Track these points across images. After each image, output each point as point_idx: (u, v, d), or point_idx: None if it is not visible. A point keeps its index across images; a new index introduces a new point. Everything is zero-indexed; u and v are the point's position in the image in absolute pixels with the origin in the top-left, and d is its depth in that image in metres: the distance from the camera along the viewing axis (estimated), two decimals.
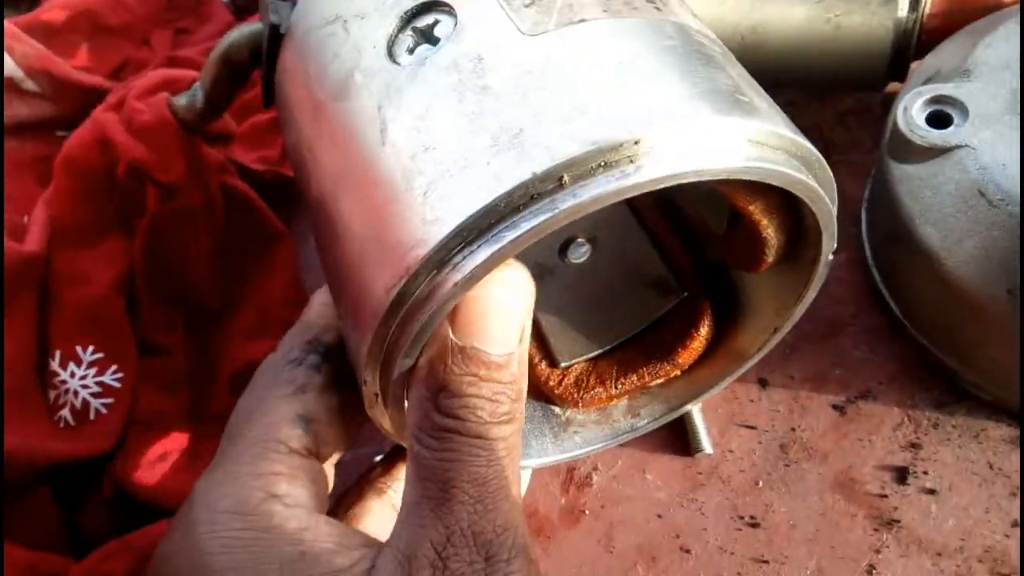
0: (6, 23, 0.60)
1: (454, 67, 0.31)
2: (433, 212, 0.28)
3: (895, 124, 0.45)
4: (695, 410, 0.48)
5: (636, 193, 0.28)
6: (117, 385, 0.47)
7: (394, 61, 0.33)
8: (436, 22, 0.34)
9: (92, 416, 0.46)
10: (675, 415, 0.47)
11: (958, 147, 0.44)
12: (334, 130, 0.34)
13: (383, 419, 0.34)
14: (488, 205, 0.27)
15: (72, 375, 0.47)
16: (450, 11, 0.34)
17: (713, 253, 0.46)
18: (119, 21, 0.69)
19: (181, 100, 0.50)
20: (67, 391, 0.46)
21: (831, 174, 0.35)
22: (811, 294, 0.40)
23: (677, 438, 0.49)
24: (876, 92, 0.61)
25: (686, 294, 0.46)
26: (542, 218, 0.27)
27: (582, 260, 0.50)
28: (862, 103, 0.61)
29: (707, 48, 0.33)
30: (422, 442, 0.26)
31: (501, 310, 0.28)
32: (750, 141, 0.30)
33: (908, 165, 0.46)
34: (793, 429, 0.48)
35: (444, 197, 0.28)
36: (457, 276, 0.28)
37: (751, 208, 0.36)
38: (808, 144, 0.32)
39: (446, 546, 0.25)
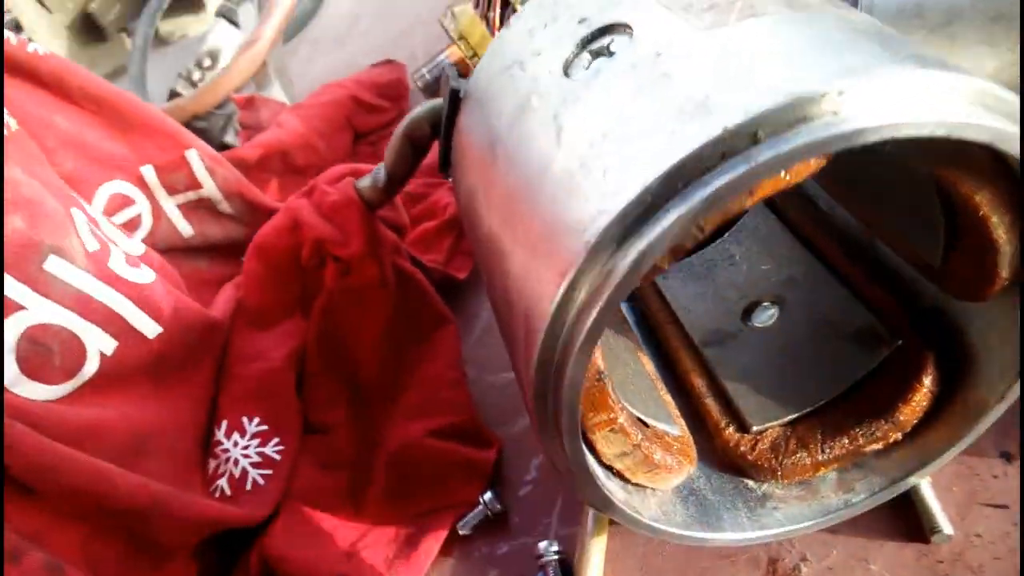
0: (210, 149, 0.67)
1: (631, 68, 0.30)
2: (613, 185, 0.26)
3: None
4: (925, 485, 0.40)
5: (842, 147, 0.24)
6: (277, 457, 0.47)
7: (570, 79, 0.33)
8: (612, 41, 0.33)
9: (249, 486, 0.45)
10: (899, 490, 0.39)
11: None
12: (509, 153, 0.33)
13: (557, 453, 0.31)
14: (673, 167, 0.25)
15: (235, 444, 0.47)
16: (626, 29, 0.33)
17: (932, 286, 0.39)
18: (307, 162, 0.76)
19: (365, 181, 0.53)
20: (228, 460, 0.46)
21: None
22: None
23: (904, 520, 0.40)
24: None
25: (900, 342, 0.39)
26: (736, 172, 0.24)
27: (769, 323, 0.46)
28: None
29: (898, 35, 0.30)
30: None
31: None
32: (969, 99, 0.26)
33: None
34: None
35: (625, 169, 0.26)
36: (642, 244, 0.25)
37: (977, 199, 0.30)
38: None
39: None
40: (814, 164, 0.27)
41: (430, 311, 0.55)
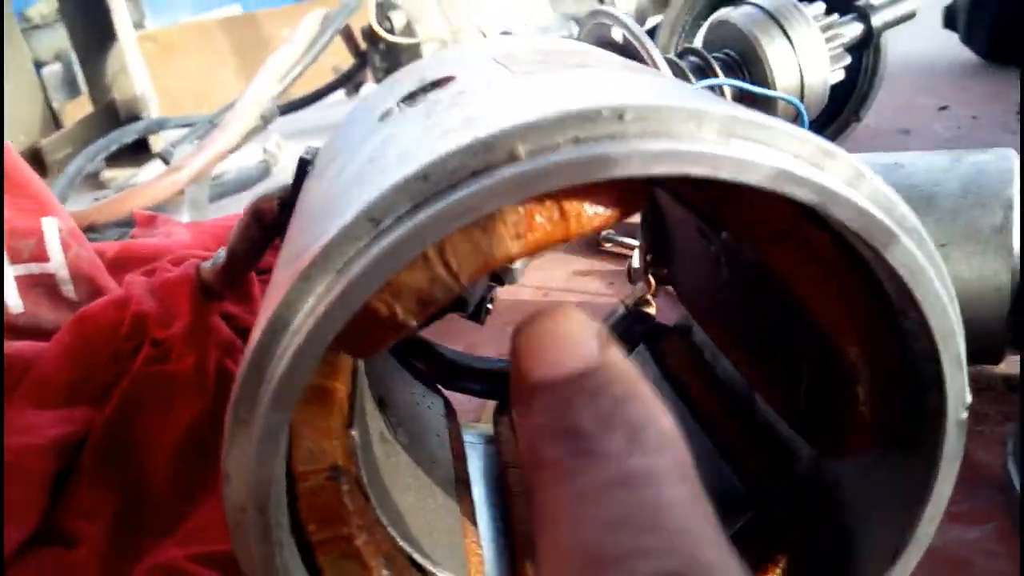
0: (73, 224, 0.61)
1: (432, 105, 0.28)
2: (348, 205, 0.21)
3: None
4: None
5: (611, 175, 0.19)
6: None
7: (380, 123, 0.30)
8: (432, 91, 0.31)
9: None
10: None
11: None
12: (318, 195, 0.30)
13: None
14: (406, 179, 0.20)
15: None
16: (451, 80, 0.30)
17: (808, 448, 0.33)
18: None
19: (207, 263, 0.47)
20: None
21: (938, 259, 0.24)
22: (942, 487, 0.26)
23: None
24: (995, 363, 0.48)
25: (752, 514, 0.32)
26: (473, 189, 0.19)
27: None
28: (981, 379, 0.50)
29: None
30: None
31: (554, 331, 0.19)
32: (791, 150, 0.21)
33: None
34: None
35: (368, 185, 0.21)
36: (354, 270, 0.20)
37: (819, 298, 0.25)
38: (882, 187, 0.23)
39: None
40: (606, 212, 0.22)
41: None
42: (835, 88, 0.78)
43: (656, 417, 0.17)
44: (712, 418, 0.38)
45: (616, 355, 0.18)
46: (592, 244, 0.79)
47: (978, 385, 0.49)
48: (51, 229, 0.59)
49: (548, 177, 0.20)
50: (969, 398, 0.26)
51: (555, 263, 0.78)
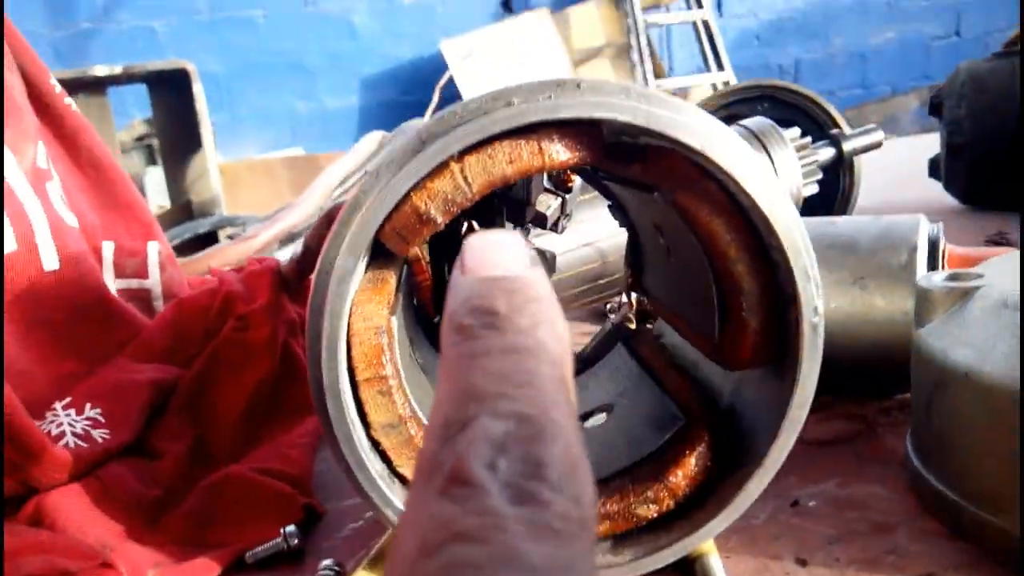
0: (169, 249, 0.75)
1: None
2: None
3: (920, 288, 0.46)
4: (715, 562, 0.40)
5: (561, 116, 0.33)
6: (99, 440, 0.47)
7: None
8: None
9: (61, 444, 0.46)
10: (671, 557, 0.39)
11: (978, 285, 0.43)
12: None
13: None
14: (443, 113, 0.34)
15: (67, 416, 0.47)
16: None
17: (723, 379, 0.44)
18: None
19: (286, 257, 0.61)
20: (52, 422, 0.46)
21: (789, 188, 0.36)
22: (806, 381, 0.37)
23: None
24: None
25: (683, 422, 0.43)
26: (480, 122, 0.33)
27: (596, 425, 0.49)
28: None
29: None
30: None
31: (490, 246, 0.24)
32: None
33: (934, 324, 0.45)
34: None
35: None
36: (393, 172, 0.33)
37: (713, 228, 0.37)
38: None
39: None
40: (568, 153, 0.35)
41: (300, 398, 0.58)
42: (816, 205, 0.92)
43: (553, 319, 0.21)
44: (663, 375, 0.49)
45: (538, 273, 0.23)
46: (600, 312, 0.91)
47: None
48: (153, 252, 0.73)
49: (527, 114, 0.33)
50: (820, 306, 0.37)
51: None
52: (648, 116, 0.34)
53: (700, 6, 3.70)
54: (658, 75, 3.71)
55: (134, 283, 0.73)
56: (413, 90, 3.84)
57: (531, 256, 0.23)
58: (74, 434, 0.47)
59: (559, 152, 0.35)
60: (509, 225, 0.65)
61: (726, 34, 3.96)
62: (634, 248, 0.58)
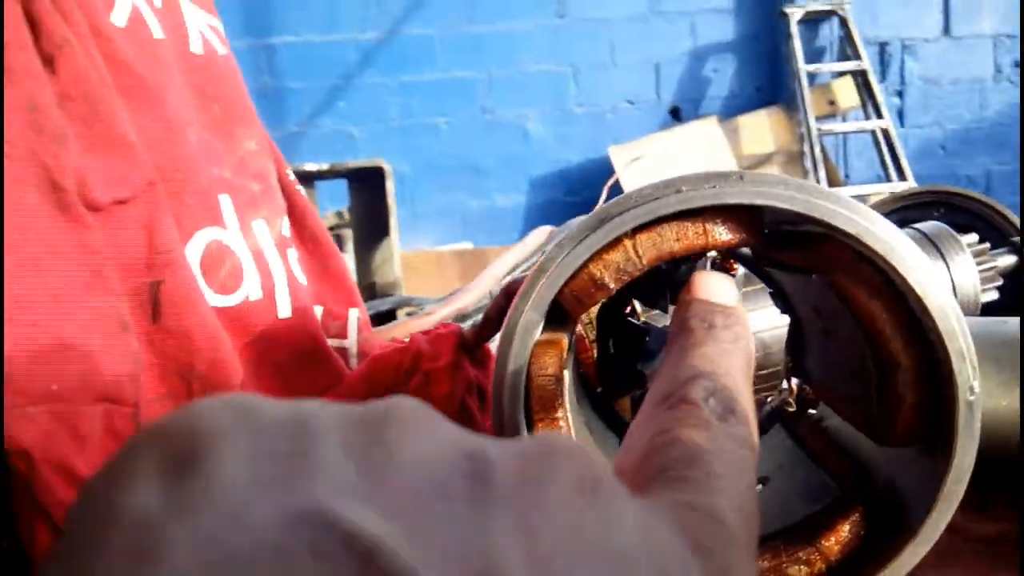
0: (367, 316, 0.85)
1: None
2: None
3: None
4: None
5: (725, 202, 0.38)
6: None
7: None
8: None
9: None
10: None
11: None
12: None
13: None
14: (620, 197, 0.40)
15: None
16: None
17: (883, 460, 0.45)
18: None
19: (468, 323, 0.68)
20: None
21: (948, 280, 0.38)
22: (962, 457, 0.38)
23: None
24: None
25: (837, 493, 0.45)
26: (649, 206, 0.39)
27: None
28: None
29: None
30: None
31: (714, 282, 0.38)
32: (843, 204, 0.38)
33: None
34: None
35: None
36: (572, 246, 0.40)
37: (871, 308, 0.40)
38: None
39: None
40: (730, 235, 0.40)
41: None
42: (1000, 312, 0.89)
43: (748, 336, 0.35)
44: (820, 452, 0.51)
45: (740, 307, 0.37)
46: (760, 403, 0.92)
47: None
48: (353, 317, 0.84)
49: (693, 200, 0.38)
50: (976, 386, 0.38)
51: None
52: (806, 204, 0.38)
53: (880, 116, 3.64)
54: (833, 183, 3.65)
55: (335, 342, 0.83)
56: (579, 191, 4.00)
57: (738, 295, 0.37)
58: None
59: (722, 233, 0.40)
60: (672, 308, 0.70)
61: (907, 143, 3.85)
62: (794, 334, 0.60)
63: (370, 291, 1.85)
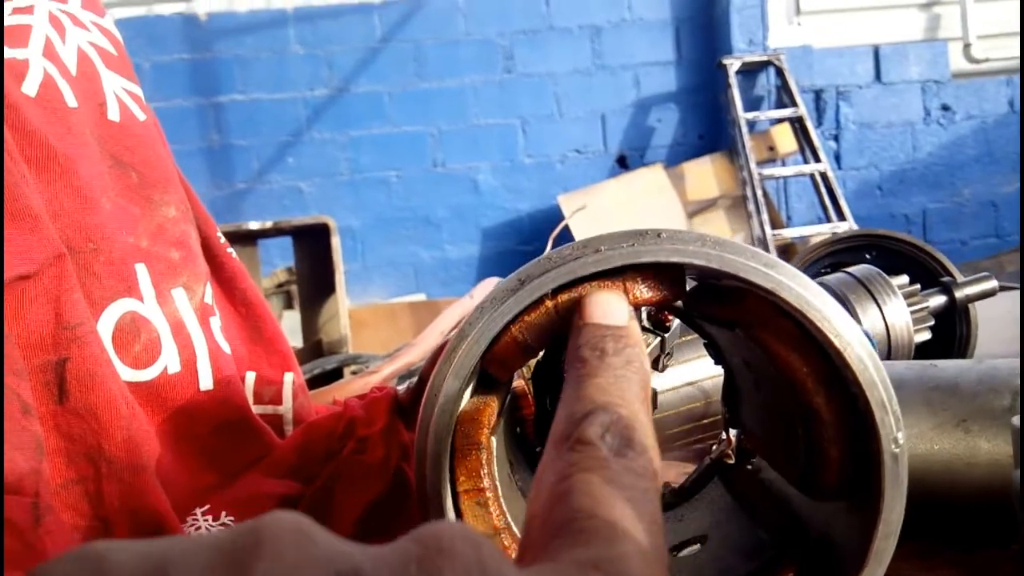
0: (302, 379, 0.83)
1: None
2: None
3: (1015, 428, 0.46)
4: None
5: (643, 260, 0.37)
6: None
7: None
8: None
9: None
10: None
11: None
12: None
13: None
14: (539, 259, 0.40)
15: (206, 521, 0.53)
16: None
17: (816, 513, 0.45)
18: None
19: (402, 388, 0.67)
20: (191, 526, 0.53)
21: (862, 334, 0.39)
22: (890, 512, 0.38)
23: None
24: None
25: (772, 552, 0.44)
26: (569, 266, 0.38)
27: (689, 555, 0.51)
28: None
29: None
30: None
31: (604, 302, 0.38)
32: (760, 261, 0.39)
33: None
34: None
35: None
36: (495, 308, 0.39)
37: (792, 361, 0.39)
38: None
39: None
40: (650, 293, 0.39)
41: (409, 516, 0.62)
42: (934, 353, 0.90)
43: (641, 357, 0.34)
44: (756, 507, 0.50)
45: (633, 325, 0.36)
46: (704, 453, 0.91)
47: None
48: (288, 382, 0.82)
49: (612, 260, 0.38)
50: (900, 437, 0.38)
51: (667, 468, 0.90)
52: (721, 260, 0.38)
53: (818, 160, 3.75)
54: (776, 225, 3.73)
55: (269, 409, 0.81)
56: (531, 240, 4.03)
57: (630, 312, 0.37)
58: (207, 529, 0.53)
59: (643, 291, 0.40)
60: None
61: (846, 185, 3.97)
62: (729, 385, 0.60)
63: (317, 349, 1.82)
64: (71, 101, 0.52)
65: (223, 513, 0.57)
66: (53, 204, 0.48)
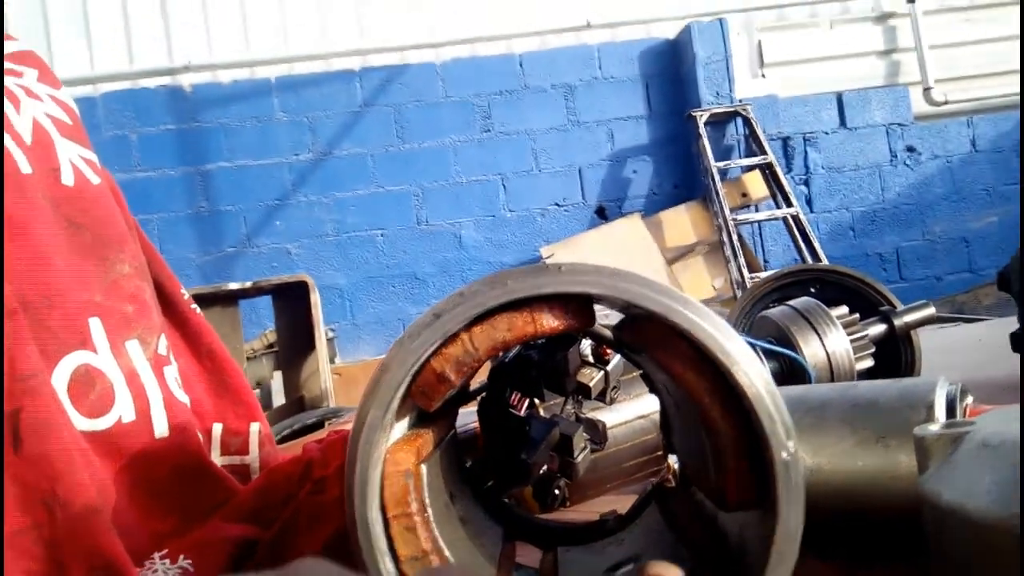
0: (268, 429, 0.85)
1: None
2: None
3: (916, 437, 0.49)
4: None
5: (545, 291, 0.41)
6: None
7: None
8: None
9: None
10: None
11: (967, 431, 0.46)
12: None
13: None
14: (452, 294, 0.43)
15: (163, 565, 0.55)
16: None
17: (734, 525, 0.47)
18: None
19: None
20: (150, 568, 0.55)
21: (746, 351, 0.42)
22: (788, 515, 0.41)
23: None
24: None
25: (690, 566, 0.46)
26: (476, 300, 0.42)
27: (624, 573, 0.53)
28: None
29: None
30: None
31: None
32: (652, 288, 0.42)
33: (931, 471, 0.48)
34: None
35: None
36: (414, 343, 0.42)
37: (688, 378, 0.43)
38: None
39: None
40: (556, 322, 0.43)
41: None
42: (880, 377, 0.94)
43: None
44: (686, 526, 0.53)
45: None
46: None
47: None
48: (254, 432, 0.84)
49: (516, 292, 0.42)
50: (791, 446, 0.41)
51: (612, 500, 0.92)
52: (614, 289, 0.41)
53: (789, 204, 3.84)
54: (753, 269, 3.80)
55: (236, 459, 0.83)
56: None
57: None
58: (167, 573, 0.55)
59: (549, 320, 0.43)
60: (549, 394, 0.72)
61: (819, 227, 4.05)
62: (663, 413, 0.63)
63: (298, 405, 1.83)
64: (25, 167, 0.56)
65: (180, 556, 0.59)
66: (7, 264, 0.51)
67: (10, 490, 0.48)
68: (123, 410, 0.57)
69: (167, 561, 0.58)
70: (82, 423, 0.54)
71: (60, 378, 0.53)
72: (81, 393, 0.54)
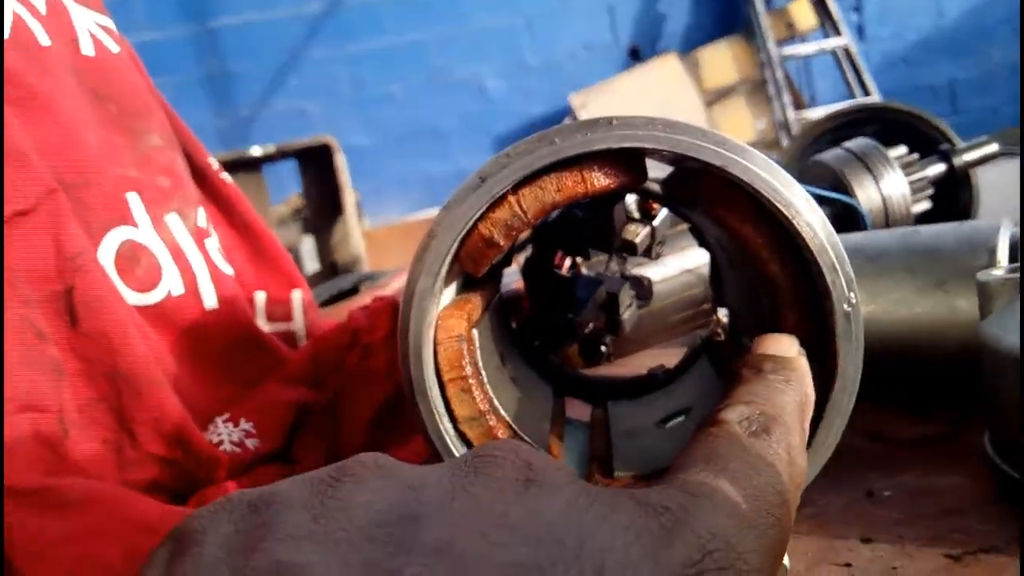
0: (310, 295, 0.86)
1: None
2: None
3: (979, 282, 0.47)
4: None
5: (595, 148, 0.38)
6: (252, 448, 0.57)
7: None
8: None
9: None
10: None
11: None
12: None
13: None
14: (498, 154, 0.41)
15: (226, 428, 0.58)
16: None
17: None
18: None
19: None
20: (213, 433, 0.58)
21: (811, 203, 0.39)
22: (847, 366, 0.40)
23: None
24: None
25: None
26: (524, 160, 0.39)
27: (676, 424, 0.54)
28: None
29: None
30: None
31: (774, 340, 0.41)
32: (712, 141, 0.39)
33: (994, 316, 0.46)
34: (895, 568, 0.40)
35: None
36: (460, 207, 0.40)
37: (745, 233, 0.41)
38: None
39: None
40: (607, 179, 0.40)
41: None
42: (937, 220, 0.90)
43: (802, 380, 0.38)
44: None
45: (802, 361, 0.39)
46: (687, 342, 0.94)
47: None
48: (297, 299, 0.85)
49: (565, 150, 0.39)
50: (853, 297, 0.40)
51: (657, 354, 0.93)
52: (670, 141, 0.39)
53: (838, 33, 3.61)
54: (799, 107, 3.63)
55: (281, 326, 0.84)
56: None
57: (799, 349, 0.40)
58: (231, 442, 0.57)
59: (600, 179, 0.41)
60: (596, 252, 0.71)
61: (870, 59, 3.83)
62: (713, 266, 0.61)
63: (331, 270, 1.85)
64: (44, 40, 0.53)
65: (242, 420, 0.61)
66: (40, 142, 0.50)
67: (75, 365, 0.49)
68: (171, 284, 0.57)
69: (230, 425, 0.60)
70: (132, 297, 0.54)
71: (106, 254, 0.52)
72: (128, 268, 0.54)
